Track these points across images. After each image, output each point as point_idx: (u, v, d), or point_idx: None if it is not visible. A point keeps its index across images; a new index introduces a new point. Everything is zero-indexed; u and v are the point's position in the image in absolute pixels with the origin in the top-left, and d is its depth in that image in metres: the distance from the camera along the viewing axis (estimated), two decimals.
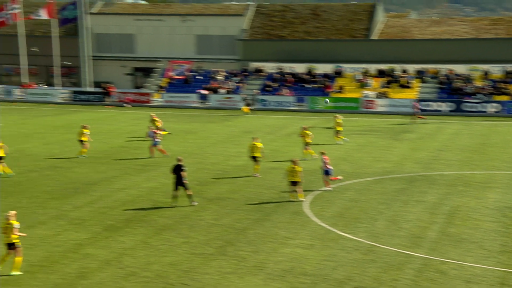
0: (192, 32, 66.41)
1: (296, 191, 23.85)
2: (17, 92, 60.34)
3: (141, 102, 57.62)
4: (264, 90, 58.57)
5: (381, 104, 54.56)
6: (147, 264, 17.41)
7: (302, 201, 23.72)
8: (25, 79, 62.45)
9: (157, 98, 58.25)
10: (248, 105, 53.05)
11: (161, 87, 60.18)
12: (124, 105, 56.70)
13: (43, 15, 60.78)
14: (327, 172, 25.47)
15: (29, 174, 28.15)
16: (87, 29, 63.43)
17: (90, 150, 34.08)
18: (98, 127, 43.20)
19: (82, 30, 62.75)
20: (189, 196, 23.37)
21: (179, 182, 23.20)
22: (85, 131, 32.55)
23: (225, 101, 55.91)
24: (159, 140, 32.84)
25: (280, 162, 30.77)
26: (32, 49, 63.85)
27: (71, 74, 67.36)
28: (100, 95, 58.80)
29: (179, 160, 23.58)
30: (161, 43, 66.56)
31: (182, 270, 17.01)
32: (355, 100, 55.26)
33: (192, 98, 56.96)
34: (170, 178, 27.66)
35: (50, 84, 65.25)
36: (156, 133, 32.95)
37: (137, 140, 37.92)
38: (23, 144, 35.71)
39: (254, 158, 28.26)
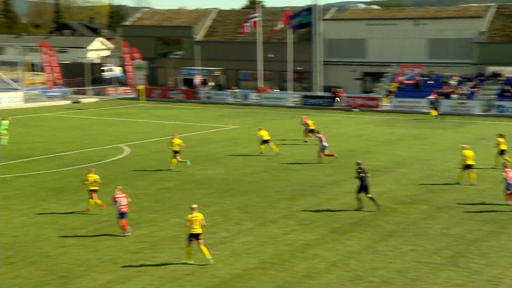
0: (425, 36, 64.72)
1: None
2: (253, 96, 63.84)
3: (369, 107, 57.59)
4: (502, 95, 55.11)
5: None
6: (373, 269, 17.35)
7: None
8: (260, 84, 65.89)
9: (386, 103, 57.79)
10: (436, 108, 51.09)
11: (390, 92, 59.60)
12: (353, 109, 57.16)
13: (282, 24, 63.63)
14: (508, 187, 23.27)
15: (261, 175, 29.60)
16: (320, 35, 65.04)
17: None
18: (327, 131, 43.99)
19: (316, 36, 64.48)
20: (372, 199, 23.15)
21: (363, 185, 23.04)
22: (262, 132, 34.34)
23: (458, 107, 53.65)
24: (327, 144, 32.41)
25: None
26: (269, 55, 67.12)
27: (302, 79, 69.55)
28: (329, 99, 59.90)
29: (360, 163, 23.47)
30: (392, 48, 65.90)
31: (409, 278, 16.67)
32: None
33: (422, 103, 55.55)
34: (398, 184, 27.34)
35: (282, 88, 68.02)
36: (321, 137, 32.38)
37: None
38: (256, 146, 37.59)
39: (469, 167, 26.96)
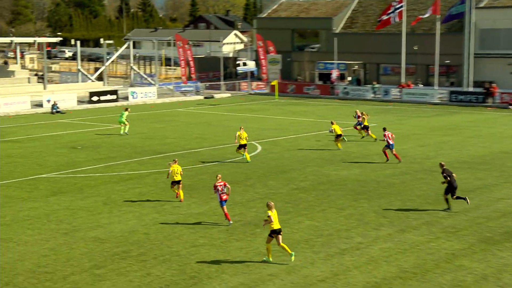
0: None
1: None
2: (394, 92, 62.58)
3: None
4: None
5: None
6: None
7: None
8: (403, 78, 64.38)
9: None
10: None
11: None
12: (509, 106, 54.46)
13: (428, 13, 61.88)
14: None
15: (402, 176, 28.94)
16: (472, 25, 62.48)
17: (468, 154, 33.62)
18: (477, 130, 42.32)
19: (468, 26, 62.00)
20: (458, 198, 23.29)
21: (451, 187, 23.10)
22: (335, 126, 35.07)
23: None
24: (393, 143, 31.40)
25: None
26: (414, 48, 65.38)
27: (450, 73, 67.25)
28: (481, 96, 57.48)
29: (443, 165, 23.51)
30: None
31: None
32: None
33: None
34: None
35: (427, 83, 66.14)
36: (388, 135, 31.43)
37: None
38: (399, 145, 36.78)
39: None
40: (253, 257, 18.82)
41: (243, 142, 31.87)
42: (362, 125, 38.45)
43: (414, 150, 35.28)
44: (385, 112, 52.96)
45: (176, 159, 25.35)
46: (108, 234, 21.09)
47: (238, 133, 32.04)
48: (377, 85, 64.02)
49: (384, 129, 32.34)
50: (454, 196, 23.26)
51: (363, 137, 38.51)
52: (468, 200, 23.35)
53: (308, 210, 23.68)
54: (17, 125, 46.75)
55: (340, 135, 35.16)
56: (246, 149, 32.18)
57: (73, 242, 20.33)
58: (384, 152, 31.97)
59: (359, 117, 38.98)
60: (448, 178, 23.15)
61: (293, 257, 18.27)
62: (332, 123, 35.80)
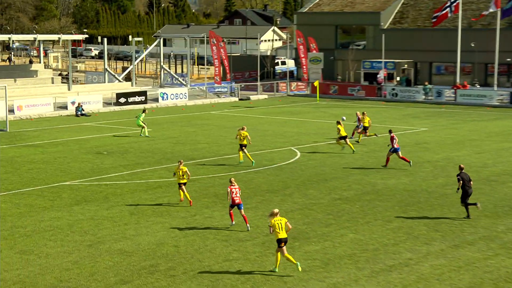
0: None
1: None
2: (448, 93, 61.93)
3: None
4: None
5: None
6: None
7: None
8: (457, 78, 63.67)
9: None
10: None
11: None
12: None
13: (492, 8, 61.05)
14: None
15: (456, 186, 28.48)
16: None
17: None
18: None
19: None
20: (469, 204, 23.65)
21: (466, 192, 23.46)
22: (340, 127, 35.73)
23: None
24: (398, 146, 31.72)
25: None
26: (471, 45, 64.57)
27: (511, 72, 66.31)
28: None
29: (462, 168, 23.86)
30: None
31: None
32: None
33: None
34: None
35: (485, 84, 65.29)
36: (394, 137, 31.75)
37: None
38: (452, 152, 36.48)
39: None
40: (291, 272, 18.77)
41: (244, 142, 32.93)
42: (363, 127, 38.73)
43: (469, 157, 34.84)
44: (437, 115, 52.45)
45: (181, 161, 26.23)
46: (135, 247, 21.24)
47: (242, 133, 33.03)
48: (429, 86, 63.45)
49: (390, 131, 32.72)
50: (467, 201, 23.55)
51: (357, 141, 39.03)
52: (479, 205, 23.68)
53: (352, 222, 23.54)
54: (39, 129, 47.47)
55: (345, 137, 35.85)
56: (244, 150, 33.11)
57: (98, 255, 20.52)
58: (387, 158, 32.14)
59: (359, 119, 39.10)
60: (461, 182, 23.35)
61: (299, 267, 18.46)
62: (338, 122, 36.27)
